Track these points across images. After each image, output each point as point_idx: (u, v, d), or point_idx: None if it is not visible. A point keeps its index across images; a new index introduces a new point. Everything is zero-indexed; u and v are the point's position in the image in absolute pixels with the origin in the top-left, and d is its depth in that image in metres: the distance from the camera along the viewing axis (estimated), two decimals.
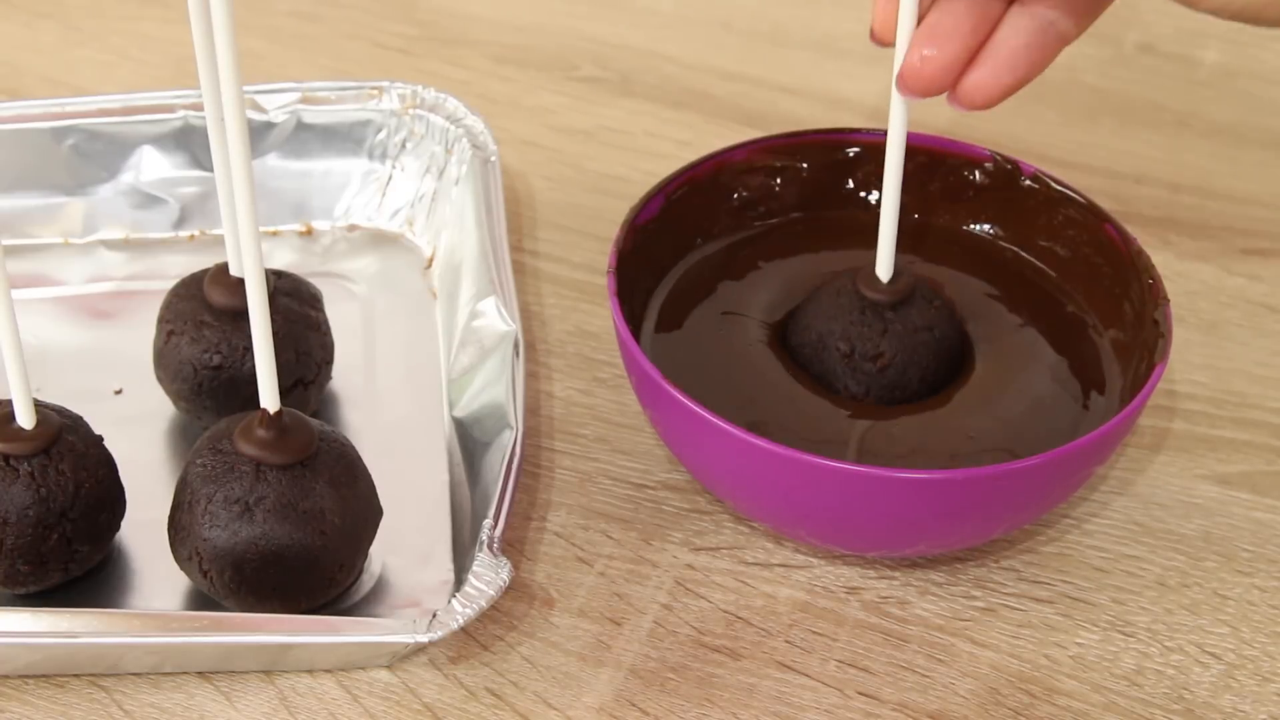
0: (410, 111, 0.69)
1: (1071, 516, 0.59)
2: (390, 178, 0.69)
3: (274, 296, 0.57)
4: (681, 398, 0.52)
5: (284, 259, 0.67)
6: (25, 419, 0.52)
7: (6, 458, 0.52)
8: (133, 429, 0.59)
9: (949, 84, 0.51)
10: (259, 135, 0.68)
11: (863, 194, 0.64)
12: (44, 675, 0.53)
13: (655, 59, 0.80)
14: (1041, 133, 0.76)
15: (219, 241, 0.63)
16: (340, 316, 0.62)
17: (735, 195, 0.62)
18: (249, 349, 0.52)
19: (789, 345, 0.58)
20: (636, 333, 0.57)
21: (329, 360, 0.60)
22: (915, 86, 0.51)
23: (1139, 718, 0.53)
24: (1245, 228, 0.71)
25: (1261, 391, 0.64)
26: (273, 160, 0.69)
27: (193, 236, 0.68)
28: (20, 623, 0.51)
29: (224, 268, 0.58)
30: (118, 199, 0.68)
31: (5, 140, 0.67)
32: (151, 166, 0.68)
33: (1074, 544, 0.58)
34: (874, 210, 0.63)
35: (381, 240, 0.69)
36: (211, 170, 0.57)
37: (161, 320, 0.59)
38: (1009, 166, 0.62)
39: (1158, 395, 0.63)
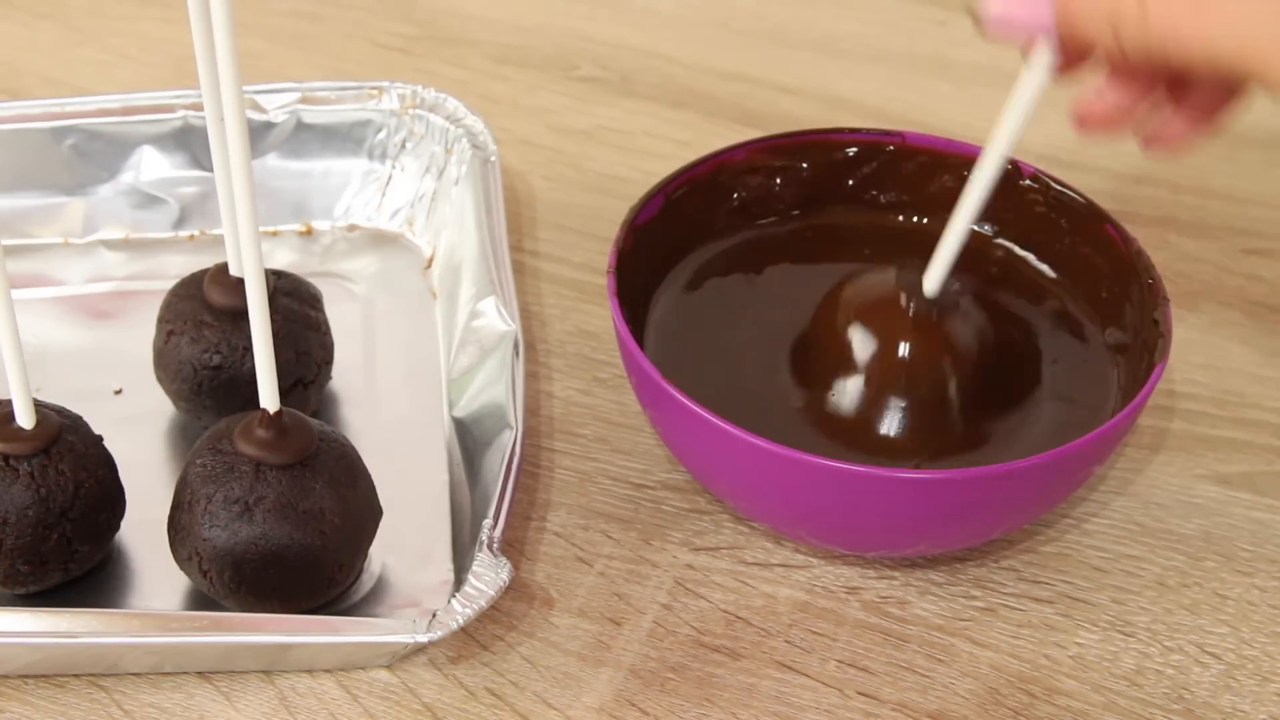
0: (410, 111, 0.69)
1: (1071, 516, 0.59)
2: (390, 178, 0.69)
3: (274, 296, 0.57)
4: (681, 398, 0.52)
5: (284, 259, 0.67)
6: (25, 419, 0.52)
7: (6, 458, 0.52)
8: (133, 429, 0.59)
9: (1121, 124, 0.52)
10: (259, 135, 0.68)
11: (863, 194, 0.64)
12: (44, 675, 0.53)
13: (655, 59, 0.80)
14: (1041, 133, 0.76)
15: (219, 241, 0.63)
16: (340, 316, 0.62)
17: (735, 195, 0.62)
18: (249, 349, 0.52)
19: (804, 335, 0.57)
20: (636, 332, 0.57)
21: (329, 360, 0.60)
22: (1090, 123, 0.52)
23: (1139, 718, 0.53)
24: (1245, 228, 0.71)
25: (1261, 391, 0.64)
26: (273, 160, 0.69)
27: (193, 236, 0.68)
28: (20, 623, 0.51)
29: (224, 268, 0.58)
30: (118, 199, 0.68)
31: (5, 140, 0.67)
32: (151, 166, 0.68)
33: (1074, 544, 0.58)
34: (874, 210, 0.64)
35: (381, 240, 0.69)
36: (211, 170, 0.57)
37: (161, 320, 0.59)
38: (1009, 166, 0.61)
39: (1158, 395, 0.63)
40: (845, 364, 0.56)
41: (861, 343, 0.55)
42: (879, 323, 0.55)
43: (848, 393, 0.56)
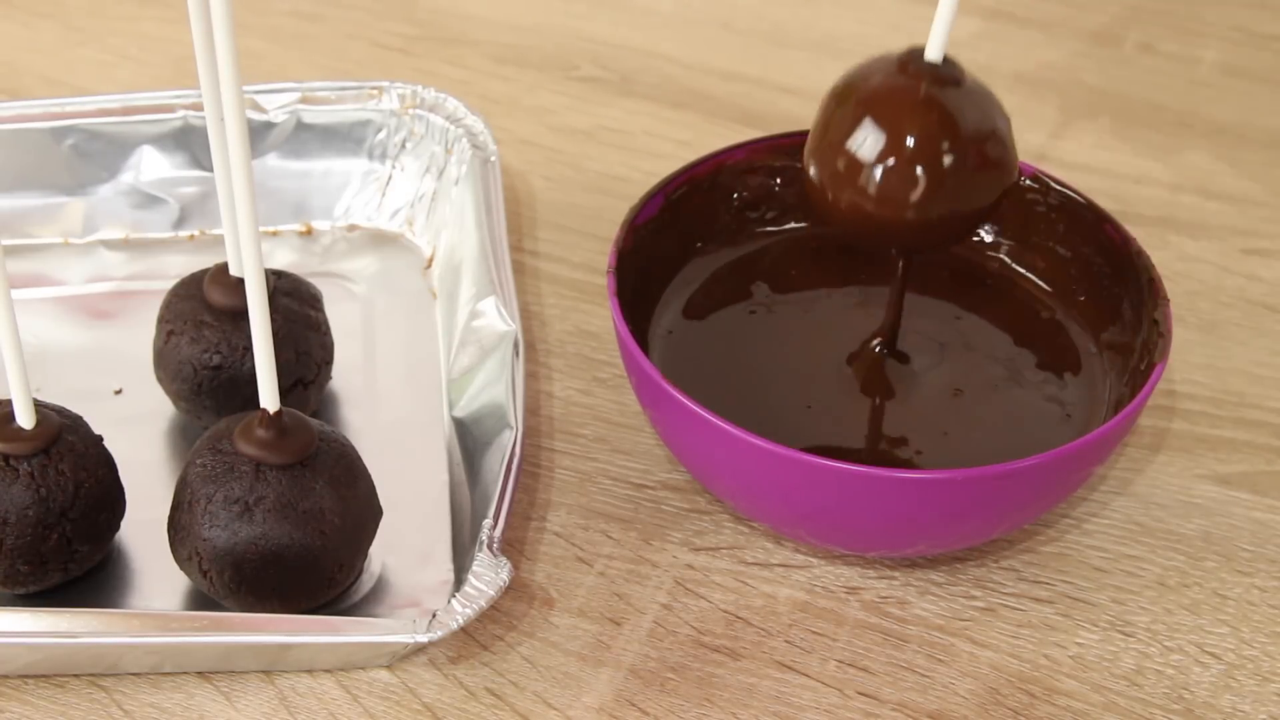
0: (410, 111, 0.69)
1: (1071, 516, 0.59)
2: (390, 178, 0.69)
3: (274, 296, 0.57)
4: (681, 398, 0.52)
5: (284, 259, 0.67)
6: (25, 419, 0.52)
7: (6, 458, 0.52)
8: (133, 429, 0.59)
9: None
10: (259, 135, 0.68)
11: None
12: (44, 675, 0.53)
13: (655, 59, 0.80)
14: (1041, 133, 0.76)
15: (219, 241, 0.63)
16: (340, 316, 0.62)
17: (735, 195, 0.62)
18: (249, 349, 0.52)
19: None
20: (636, 332, 0.57)
21: (329, 360, 0.60)
22: None
23: (1139, 718, 0.53)
24: (1245, 228, 0.71)
25: (1261, 391, 0.64)
26: (273, 160, 0.69)
27: (193, 236, 0.68)
28: (20, 623, 0.51)
29: (224, 268, 0.58)
30: (118, 199, 0.68)
31: (5, 140, 0.67)
32: (151, 166, 0.68)
33: (1074, 544, 0.58)
34: None
35: (381, 240, 0.69)
36: (211, 170, 0.57)
37: (161, 320, 0.59)
38: None
39: (1158, 395, 0.63)
40: (862, 143, 0.53)
41: (874, 121, 0.53)
42: (886, 94, 0.53)
43: (864, 171, 0.53)
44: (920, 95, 0.53)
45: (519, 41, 0.81)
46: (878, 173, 0.53)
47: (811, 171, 0.55)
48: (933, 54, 0.53)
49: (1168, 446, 0.61)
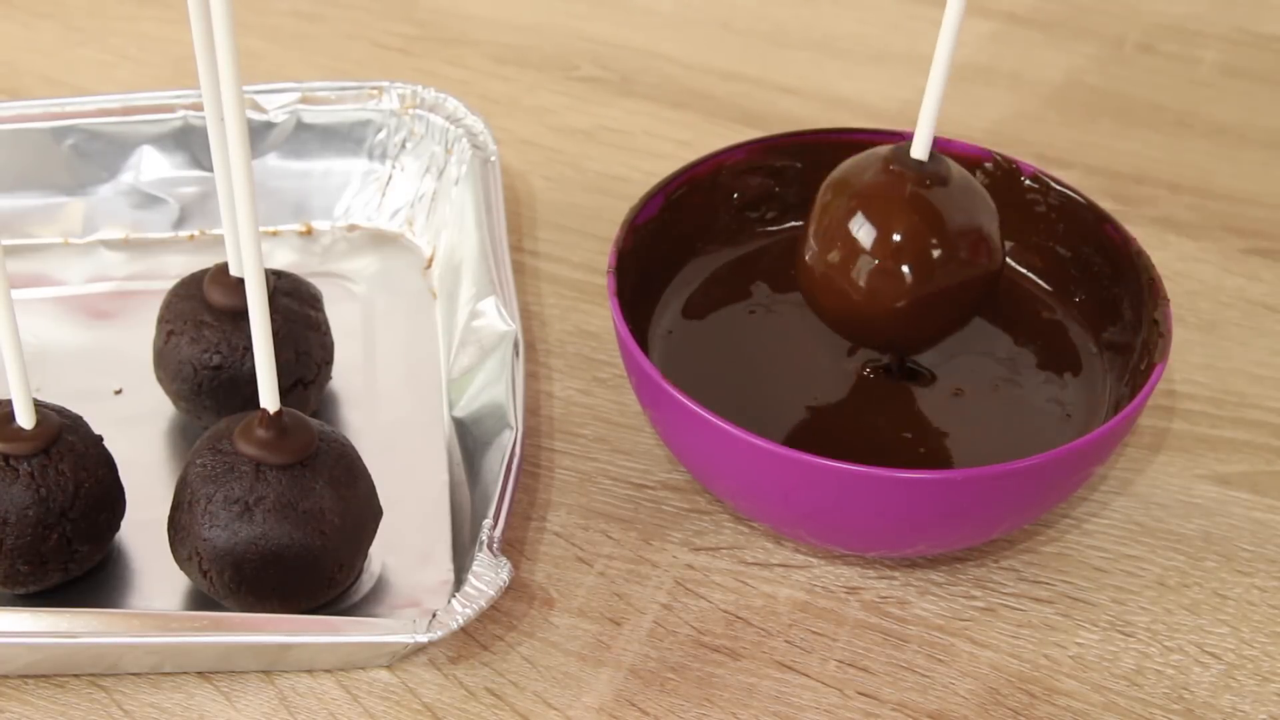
0: (410, 111, 0.69)
1: (1071, 516, 0.59)
2: (390, 178, 0.69)
3: (274, 296, 0.57)
4: (681, 398, 0.52)
5: (284, 259, 0.67)
6: (25, 419, 0.52)
7: (6, 458, 0.52)
8: (133, 429, 0.59)
9: None
10: (259, 135, 0.68)
11: None
12: (44, 675, 0.53)
13: (655, 59, 0.80)
14: (1041, 133, 0.76)
15: (219, 241, 0.63)
16: (340, 316, 0.62)
17: (735, 195, 0.63)
18: (249, 349, 0.52)
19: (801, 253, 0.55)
20: (636, 332, 0.57)
21: (329, 360, 0.60)
22: None
23: (1139, 718, 0.53)
24: (1245, 228, 0.71)
25: (1261, 391, 0.64)
26: (273, 160, 0.69)
27: (193, 236, 0.68)
28: (20, 623, 0.51)
29: (224, 268, 0.58)
30: (118, 199, 0.68)
31: (5, 140, 0.67)
32: (151, 166, 0.68)
33: (1074, 544, 0.58)
34: None
35: (381, 240, 0.69)
36: (211, 170, 0.57)
37: (161, 320, 0.59)
38: (1009, 166, 0.61)
39: (1158, 395, 0.63)
40: (847, 241, 0.53)
41: (859, 219, 0.53)
42: (871, 192, 0.54)
43: (847, 267, 0.54)
44: (904, 196, 0.53)
45: (519, 41, 0.81)
46: (859, 270, 0.53)
47: (804, 260, 0.55)
48: (918, 151, 0.53)
49: (1168, 446, 0.61)
